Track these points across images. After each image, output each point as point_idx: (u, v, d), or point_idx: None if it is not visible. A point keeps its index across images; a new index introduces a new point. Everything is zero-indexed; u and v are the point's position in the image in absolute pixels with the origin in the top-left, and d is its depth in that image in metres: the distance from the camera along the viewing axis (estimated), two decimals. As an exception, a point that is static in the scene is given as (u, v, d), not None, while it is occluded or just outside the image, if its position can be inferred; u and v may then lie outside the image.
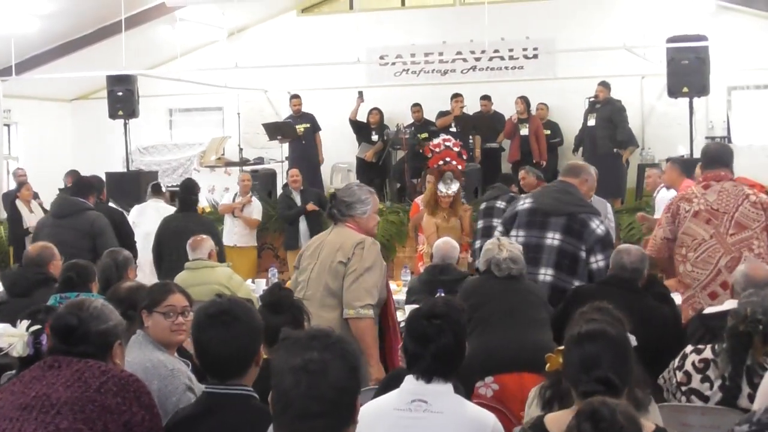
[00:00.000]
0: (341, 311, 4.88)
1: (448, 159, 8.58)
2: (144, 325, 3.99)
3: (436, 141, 9.24)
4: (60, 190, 10.95)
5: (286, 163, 13.69)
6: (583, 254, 5.59)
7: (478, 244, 8.68)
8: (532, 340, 4.73)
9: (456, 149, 8.66)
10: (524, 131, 13.05)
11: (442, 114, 13.39)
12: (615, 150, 12.21)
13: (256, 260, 11.16)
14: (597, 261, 5.60)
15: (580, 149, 12.96)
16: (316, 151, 13.41)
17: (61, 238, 7.26)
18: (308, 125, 13.33)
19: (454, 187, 8.52)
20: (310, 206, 10.68)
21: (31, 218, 10.92)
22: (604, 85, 12.46)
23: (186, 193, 8.89)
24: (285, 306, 4.06)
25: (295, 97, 13.55)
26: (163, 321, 3.95)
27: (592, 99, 12.68)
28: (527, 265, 5.27)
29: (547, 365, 3.26)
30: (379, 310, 4.96)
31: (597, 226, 5.64)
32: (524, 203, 5.85)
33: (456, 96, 13.19)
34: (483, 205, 9.11)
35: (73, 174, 11.10)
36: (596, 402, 2.61)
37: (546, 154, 12.98)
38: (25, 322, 3.51)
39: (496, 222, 8.32)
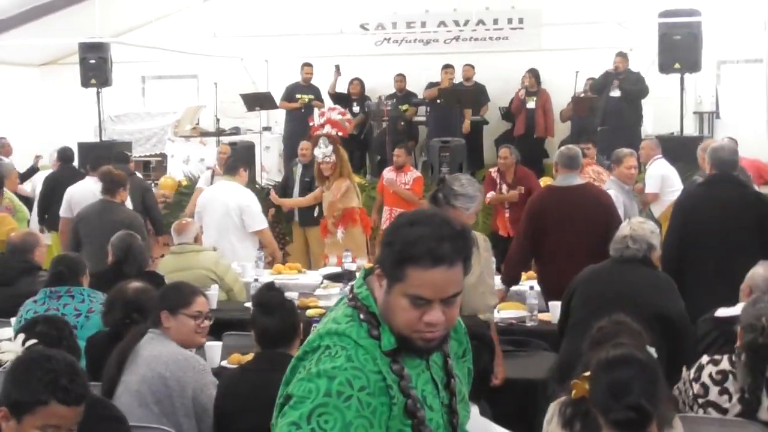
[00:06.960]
0: None
1: (328, 126, 8.33)
2: (162, 325, 4.04)
3: (322, 110, 9.27)
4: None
5: (264, 133, 13.35)
6: None
7: None
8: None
9: (339, 117, 8.48)
10: (531, 104, 12.69)
11: (431, 85, 13.07)
12: (642, 124, 11.71)
13: None
14: None
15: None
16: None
17: None
18: (312, 96, 12.96)
19: (327, 150, 8.30)
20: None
21: None
22: (623, 56, 11.85)
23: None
24: (275, 307, 3.93)
25: (307, 65, 13.15)
26: (191, 323, 4.09)
27: (611, 71, 11.91)
28: None
29: (573, 392, 3.12)
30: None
31: None
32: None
33: (446, 67, 12.87)
34: None
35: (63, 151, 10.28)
36: None
37: (553, 129, 12.57)
38: (21, 336, 3.40)
39: None
